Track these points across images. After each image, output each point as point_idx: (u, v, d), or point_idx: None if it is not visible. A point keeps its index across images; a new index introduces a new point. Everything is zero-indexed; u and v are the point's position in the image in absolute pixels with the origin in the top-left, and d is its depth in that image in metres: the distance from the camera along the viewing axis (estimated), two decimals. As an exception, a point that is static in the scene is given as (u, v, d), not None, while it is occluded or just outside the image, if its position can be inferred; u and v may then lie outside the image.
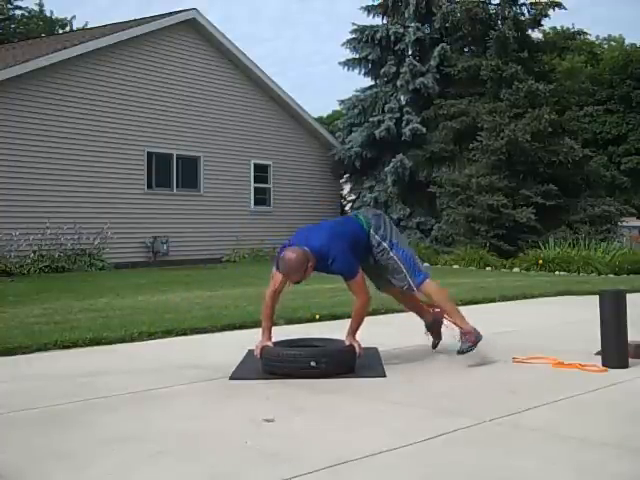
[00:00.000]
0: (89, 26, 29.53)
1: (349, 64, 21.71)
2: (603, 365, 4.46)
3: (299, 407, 3.60)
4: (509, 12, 19.91)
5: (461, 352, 4.59)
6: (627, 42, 36.64)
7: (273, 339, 4.50)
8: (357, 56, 21.50)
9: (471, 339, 4.63)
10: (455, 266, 15.47)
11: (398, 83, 20.19)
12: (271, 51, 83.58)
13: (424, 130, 19.54)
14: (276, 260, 4.53)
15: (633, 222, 24.47)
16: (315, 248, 4.37)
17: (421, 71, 20.10)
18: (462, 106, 19.02)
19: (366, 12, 22.00)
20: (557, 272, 13.81)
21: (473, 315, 7.40)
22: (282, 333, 4.89)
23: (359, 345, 4.45)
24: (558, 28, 31.79)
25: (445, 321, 4.91)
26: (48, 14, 33.01)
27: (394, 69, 20.52)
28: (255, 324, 5.39)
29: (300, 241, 4.44)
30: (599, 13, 76.05)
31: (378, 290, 4.98)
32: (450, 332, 6.02)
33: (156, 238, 15.84)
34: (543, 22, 20.20)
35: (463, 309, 7.82)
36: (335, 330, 4.80)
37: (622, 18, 71.03)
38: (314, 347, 4.54)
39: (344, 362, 4.34)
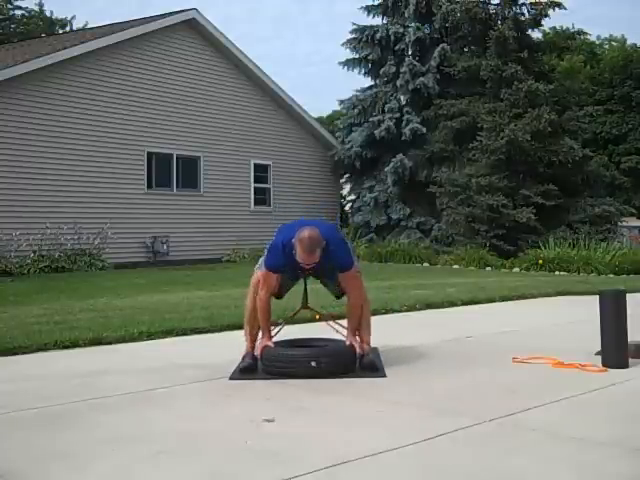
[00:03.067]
0: (89, 26, 29.53)
1: (349, 64, 21.72)
2: (603, 365, 4.46)
3: (299, 407, 3.60)
4: (509, 12, 19.91)
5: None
6: (628, 42, 36.62)
7: (274, 339, 4.50)
8: (357, 56, 21.51)
9: None
10: (455, 266, 15.47)
11: (398, 83, 20.20)
12: (271, 51, 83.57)
13: (424, 130, 19.54)
14: (265, 261, 4.42)
15: (633, 222, 24.48)
16: (322, 231, 4.28)
17: (421, 71, 20.10)
18: (462, 106, 19.03)
19: (366, 12, 22.01)
20: (557, 272, 13.81)
21: (473, 315, 7.43)
22: (282, 333, 4.89)
23: (360, 345, 4.44)
24: (558, 28, 31.82)
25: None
26: (48, 14, 33.03)
27: (394, 69, 20.52)
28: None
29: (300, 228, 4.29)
30: (600, 13, 76.07)
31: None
32: (446, 335, 6.03)
33: (156, 238, 15.84)
34: (543, 22, 20.21)
35: (463, 309, 7.86)
36: (335, 330, 4.80)
37: (623, 18, 71.03)
38: (314, 347, 4.53)
39: (344, 362, 4.33)
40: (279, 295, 4.71)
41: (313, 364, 4.16)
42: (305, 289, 4.83)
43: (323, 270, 4.45)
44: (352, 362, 4.35)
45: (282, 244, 4.34)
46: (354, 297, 4.48)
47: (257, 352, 4.40)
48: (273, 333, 4.56)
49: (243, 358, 4.46)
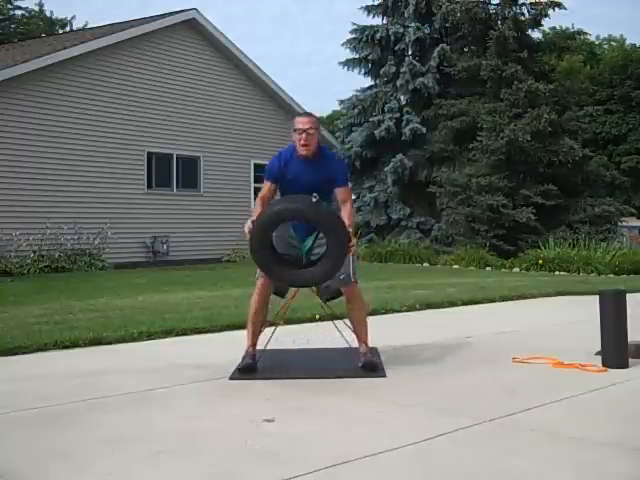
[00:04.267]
0: (89, 26, 29.54)
1: (349, 64, 21.74)
2: (603, 365, 4.46)
3: (299, 407, 3.60)
4: (509, 12, 19.94)
5: (363, 367, 4.38)
6: (627, 42, 36.65)
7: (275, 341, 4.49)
8: (357, 56, 21.53)
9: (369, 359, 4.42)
10: (455, 266, 15.47)
11: (398, 83, 20.22)
12: (270, 51, 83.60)
13: (424, 130, 19.56)
14: (266, 168, 4.60)
15: (633, 222, 24.50)
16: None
17: (421, 71, 20.12)
18: (462, 106, 19.05)
19: (366, 12, 22.03)
20: (557, 272, 13.81)
21: (473, 315, 7.43)
22: (282, 333, 4.89)
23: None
24: (558, 28, 31.85)
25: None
26: (48, 14, 33.05)
27: (394, 69, 20.54)
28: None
29: None
30: (599, 13, 76.11)
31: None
32: (446, 335, 6.03)
33: (156, 238, 15.84)
34: (543, 22, 20.25)
35: (463, 309, 7.86)
36: (335, 330, 4.80)
37: (622, 18, 71.09)
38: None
39: (336, 224, 4.22)
40: (281, 293, 4.69)
41: (314, 199, 4.17)
42: (306, 260, 4.60)
43: (322, 181, 4.40)
44: (344, 230, 4.23)
45: (279, 152, 4.58)
46: (350, 207, 4.49)
47: (247, 228, 4.50)
48: (269, 334, 4.55)
49: (243, 358, 4.46)
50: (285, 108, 19.30)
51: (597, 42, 38.41)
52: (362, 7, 21.93)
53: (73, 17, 33.60)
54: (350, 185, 4.71)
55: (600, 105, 27.31)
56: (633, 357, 4.57)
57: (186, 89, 16.78)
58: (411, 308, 7.60)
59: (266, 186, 4.54)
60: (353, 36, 21.42)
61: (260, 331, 4.53)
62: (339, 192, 4.48)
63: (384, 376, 4.26)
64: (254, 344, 4.50)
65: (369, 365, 4.35)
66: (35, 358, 4.99)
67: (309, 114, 4.56)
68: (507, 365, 4.59)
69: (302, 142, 4.36)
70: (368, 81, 22.19)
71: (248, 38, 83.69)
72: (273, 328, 4.65)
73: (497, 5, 20.44)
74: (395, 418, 3.39)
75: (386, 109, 20.20)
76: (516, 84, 17.94)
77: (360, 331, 4.51)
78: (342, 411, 3.55)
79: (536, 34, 20.70)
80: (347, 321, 4.65)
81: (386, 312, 7.25)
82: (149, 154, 15.98)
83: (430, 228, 19.44)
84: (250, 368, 4.35)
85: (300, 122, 4.39)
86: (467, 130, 18.61)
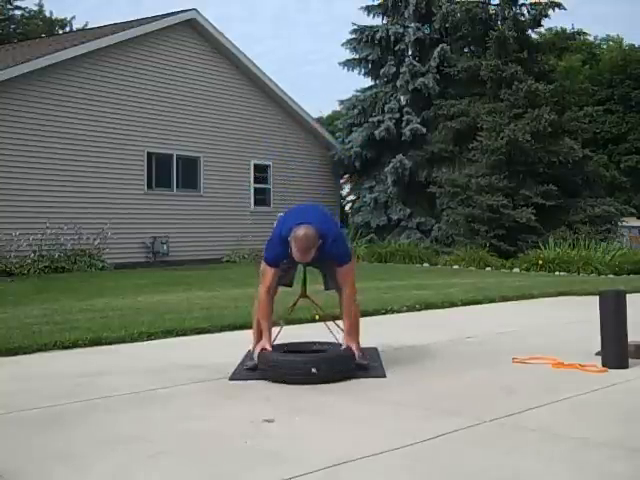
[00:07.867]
0: (89, 26, 29.54)
1: (349, 64, 21.72)
2: (603, 365, 4.46)
3: (299, 407, 3.60)
4: (509, 12, 19.93)
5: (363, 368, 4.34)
6: (626, 42, 36.65)
7: (275, 340, 4.48)
8: (357, 56, 21.51)
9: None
10: (455, 266, 15.47)
11: (398, 83, 20.20)
12: (270, 50, 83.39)
13: (424, 130, 19.55)
14: (265, 256, 4.38)
15: (633, 222, 24.48)
16: (318, 227, 4.19)
17: (421, 71, 20.10)
18: (462, 106, 19.03)
19: (366, 12, 22.01)
20: (557, 272, 13.81)
21: (473, 315, 7.43)
22: (282, 333, 4.88)
23: (357, 346, 4.39)
24: (558, 28, 31.84)
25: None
26: (48, 14, 33.02)
27: (394, 69, 20.53)
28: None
29: (297, 222, 4.22)
30: (598, 12, 76.04)
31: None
32: (446, 335, 6.04)
33: (156, 238, 15.85)
34: (543, 22, 20.24)
35: (463, 309, 7.86)
36: (335, 330, 4.79)
37: (622, 18, 71.05)
38: (311, 353, 4.45)
39: (343, 367, 4.22)
40: (288, 284, 4.66)
41: (314, 371, 4.06)
42: (304, 277, 4.70)
43: (321, 262, 4.40)
44: (350, 367, 4.25)
45: (280, 236, 4.29)
46: (349, 291, 4.41)
47: (255, 354, 4.32)
48: (273, 335, 4.53)
49: (245, 358, 4.46)
50: (285, 108, 19.31)
51: (596, 42, 38.40)
52: (362, 7, 21.93)
53: (73, 17, 33.57)
54: (350, 263, 4.44)
55: (600, 105, 27.27)
56: (633, 357, 4.57)
57: (186, 89, 16.79)
58: (411, 308, 7.60)
59: (270, 272, 4.32)
60: (353, 36, 21.40)
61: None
62: (338, 272, 4.38)
63: (384, 376, 4.26)
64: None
65: (359, 367, 4.31)
66: (35, 358, 4.99)
67: (307, 249, 4.13)
68: (507, 365, 4.59)
69: (299, 256, 4.17)
70: (368, 81, 22.17)
71: (247, 38, 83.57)
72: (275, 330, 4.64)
73: (497, 5, 20.43)
74: (395, 418, 3.39)
75: (386, 109, 20.19)
76: (516, 84, 17.93)
77: (350, 332, 4.44)
78: (342, 411, 3.55)
79: (536, 34, 20.72)
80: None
81: (386, 312, 7.25)
82: (149, 154, 15.99)
83: (430, 228, 19.42)
84: (251, 369, 4.33)
85: (297, 257, 4.19)
86: (467, 130, 18.60)
